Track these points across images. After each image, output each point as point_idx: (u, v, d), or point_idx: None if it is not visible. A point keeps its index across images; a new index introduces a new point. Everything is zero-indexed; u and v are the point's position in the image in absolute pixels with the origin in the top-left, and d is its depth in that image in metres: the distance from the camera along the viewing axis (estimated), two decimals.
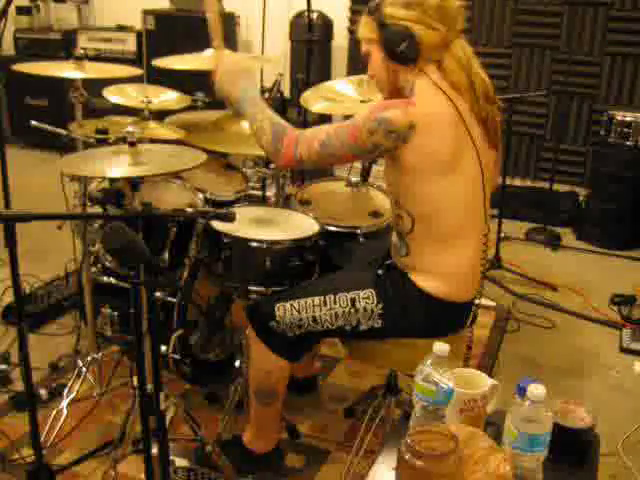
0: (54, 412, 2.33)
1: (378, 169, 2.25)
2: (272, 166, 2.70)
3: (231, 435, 2.22)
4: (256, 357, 1.97)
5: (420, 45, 1.65)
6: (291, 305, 1.86)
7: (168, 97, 2.81)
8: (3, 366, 2.57)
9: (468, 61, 1.69)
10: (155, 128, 2.53)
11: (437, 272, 1.76)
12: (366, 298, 1.81)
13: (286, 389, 2.03)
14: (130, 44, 5.17)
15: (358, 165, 2.62)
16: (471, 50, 1.72)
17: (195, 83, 3.27)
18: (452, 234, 1.74)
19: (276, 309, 1.88)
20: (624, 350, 2.99)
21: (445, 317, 1.82)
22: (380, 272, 1.88)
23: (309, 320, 1.85)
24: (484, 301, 3.12)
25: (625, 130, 3.96)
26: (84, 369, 2.48)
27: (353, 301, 1.81)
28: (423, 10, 1.64)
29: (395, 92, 1.77)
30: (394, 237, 1.87)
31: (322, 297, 1.84)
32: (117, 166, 1.93)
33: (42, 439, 2.17)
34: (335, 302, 1.83)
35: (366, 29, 1.73)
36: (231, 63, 1.95)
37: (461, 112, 1.67)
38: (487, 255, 1.85)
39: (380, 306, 1.80)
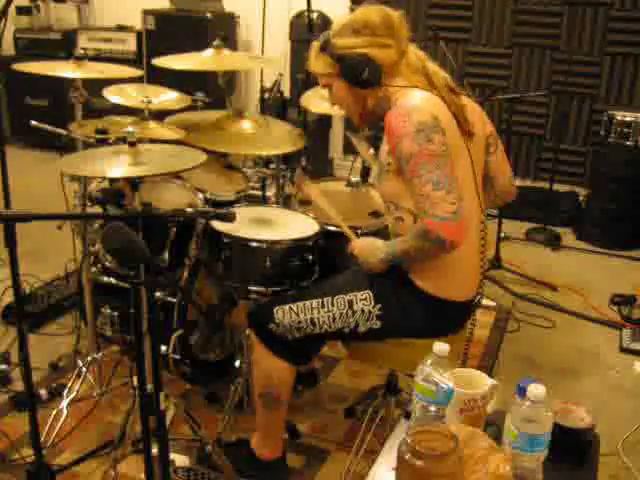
0: (54, 412, 2.33)
1: None
2: (272, 166, 2.70)
3: (237, 437, 2.22)
4: (258, 360, 1.97)
5: (380, 66, 1.72)
6: (290, 308, 1.86)
7: (168, 97, 2.81)
8: (3, 366, 2.57)
9: (422, 63, 1.76)
10: (155, 128, 2.53)
11: (438, 270, 1.76)
12: (363, 299, 1.80)
13: (290, 394, 2.02)
14: (130, 44, 5.17)
15: (358, 165, 2.62)
16: (422, 54, 1.79)
17: (195, 83, 3.28)
18: None
19: (275, 312, 1.88)
20: (624, 350, 2.99)
21: (445, 316, 1.82)
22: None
23: (307, 323, 1.85)
24: (484, 301, 3.13)
25: (625, 130, 3.96)
26: (84, 369, 2.48)
27: (350, 303, 1.81)
28: (372, 31, 1.72)
29: (366, 114, 1.84)
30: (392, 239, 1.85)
31: (320, 299, 1.84)
32: (117, 166, 1.93)
33: (42, 439, 2.17)
34: (333, 304, 1.83)
35: (321, 65, 1.79)
36: (362, 243, 1.90)
37: (445, 98, 1.72)
38: (486, 252, 1.84)
39: (378, 307, 1.80)
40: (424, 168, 1.61)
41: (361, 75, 1.73)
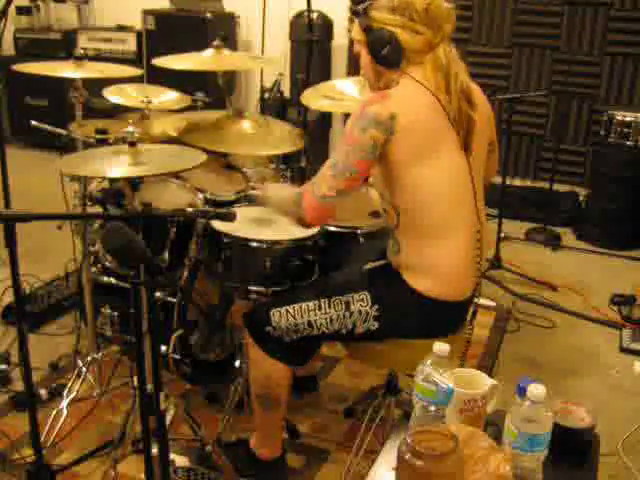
0: (54, 412, 2.33)
1: None
2: (272, 166, 2.70)
3: (236, 437, 2.22)
4: (255, 362, 1.97)
5: (403, 50, 1.70)
6: (286, 310, 1.85)
7: (168, 97, 2.81)
8: (3, 366, 2.57)
9: (448, 64, 1.72)
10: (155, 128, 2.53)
11: (427, 270, 1.75)
12: (360, 300, 1.80)
13: (288, 394, 2.02)
14: (130, 44, 5.17)
15: None
16: (455, 54, 1.75)
17: (195, 83, 3.28)
18: (438, 227, 1.73)
19: (272, 315, 1.87)
20: (624, 350, 2.99)
21: (440, 317, 1.81)
22: (368, 267, 1.87)
23: (304, 325, 1.84)
24: (484, 301, 3.13)
25: (625, 130, 3.96)
26: (84, 369, 2.48)
27: (347, 304, 1.81)
28: (409, 15, 1.69)
29: (383, 90, 1.80)
30: (389, 237, 1.86)
31: (316, 301, 1.83)
32: (117, 166, 1.93)
33: (42, 439, 2.17)
34: (330, 306, 1.82)
35: (355, 29, 1.78)
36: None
37: (443, 105, 1.70)
38: (483, 254, 1.83)
39: (375, 308, 1.79)
40: (338, 147, 1.72)
41: (380, 52, 1.72)
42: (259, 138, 2.58)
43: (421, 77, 1.71)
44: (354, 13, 1.76)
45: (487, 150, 1.86)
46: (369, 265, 1.90)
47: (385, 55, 1.71)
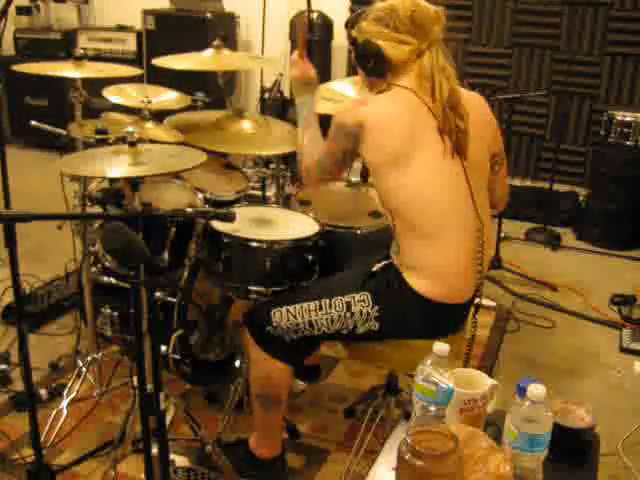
0: (54, 412, 2.33)
1: None
2: (272, 166, 2.71)
3: (236, 437, 2.22)
4: (255, 362, 1.97)
5: (388, 62, 1.74)
6: (287, 310, 1.86)
7: (168, 97, 2.81)
8: (3, 366, 2.57)
9: (432, 73, 1.72)
10: (154, 130, 2.52)
11: (424, 270, 1.75)
12: (361, 301, 1.80)
13: (288, 394, 2.02)
14: (130, 44, 5.17)
15: (358, 165, 2.62)
16: (441, 61, 1.74)
17: (195, 83, 3.28)
18: (431, 227, 1.73)
19: (272, 314, 1.87)
20: (624, 350, 2.99)
21: (442, 318, 1.81)
22: (375, 269, 1.87)
23: (305, 325, 1.84)
24: (484, 301, 3.13)
25: (625, 130, 3.96)
26: (84, 369, 2.48)
27: (349, 305, 1.80)
28: (394, 24, 1.72)
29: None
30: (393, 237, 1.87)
31: (318, 301, 1.83)
32: (117, 166, 1.93)
33: (42, 439, 2.17)
34: (331, 306, 1.82)
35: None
36: (300, 72, 2.05)
37: (432, 110, 1.71)
38: (485, 255, 1.82)
39: (376, 308, 1.79)
40: (324, 152, 1.87)
41: (366, 65, 1.77)
42: (259, 138, 2.58)
43: (409, 84, 1.74)
44: (345, 25, 1.83)
45: (493, 161, 1.87)
46: (373, 266, 1.90)
47: (371, 67, 1.77)
